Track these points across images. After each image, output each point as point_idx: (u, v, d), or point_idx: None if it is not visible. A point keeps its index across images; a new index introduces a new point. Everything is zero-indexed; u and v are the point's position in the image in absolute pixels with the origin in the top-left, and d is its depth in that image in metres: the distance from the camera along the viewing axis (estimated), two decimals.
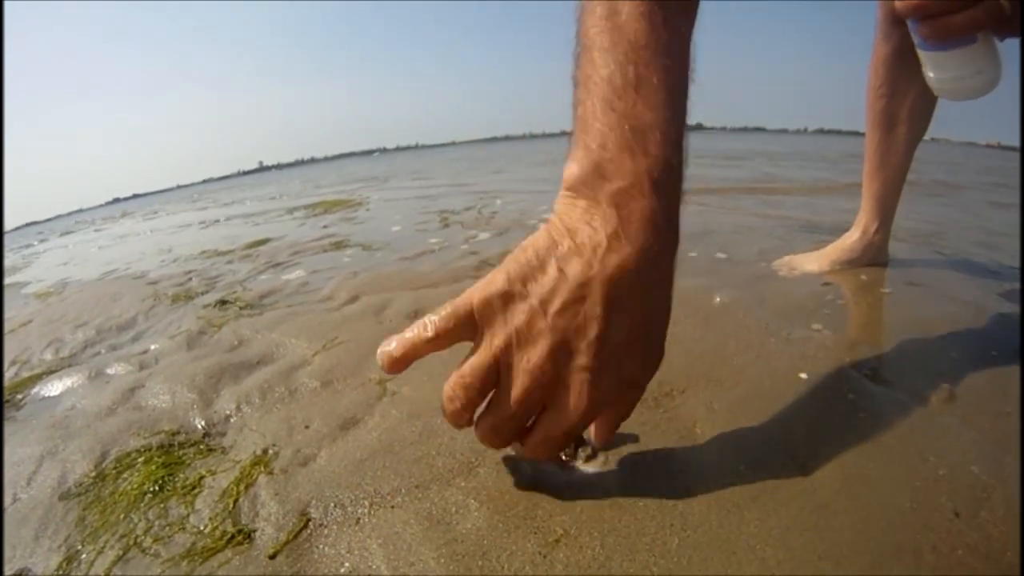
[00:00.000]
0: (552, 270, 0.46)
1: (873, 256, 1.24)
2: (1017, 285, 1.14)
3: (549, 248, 0.47)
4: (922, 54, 0.78)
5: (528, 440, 0.52)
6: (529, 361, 0.47)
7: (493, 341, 0.48)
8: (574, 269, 0.45)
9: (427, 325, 0.50)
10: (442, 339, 0.50)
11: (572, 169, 0.48)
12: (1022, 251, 1.37)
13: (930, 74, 0.78)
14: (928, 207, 2.53)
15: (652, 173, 0.45)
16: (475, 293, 0.49)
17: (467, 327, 0.50)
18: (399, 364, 0.51)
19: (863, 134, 1.19)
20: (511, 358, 0.48)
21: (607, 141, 0.46)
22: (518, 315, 0.47)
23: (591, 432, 0.56)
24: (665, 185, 0.46)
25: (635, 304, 0.46)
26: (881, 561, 0.47)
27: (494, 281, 0.49)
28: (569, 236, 0.46)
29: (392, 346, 0.51)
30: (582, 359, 0.46)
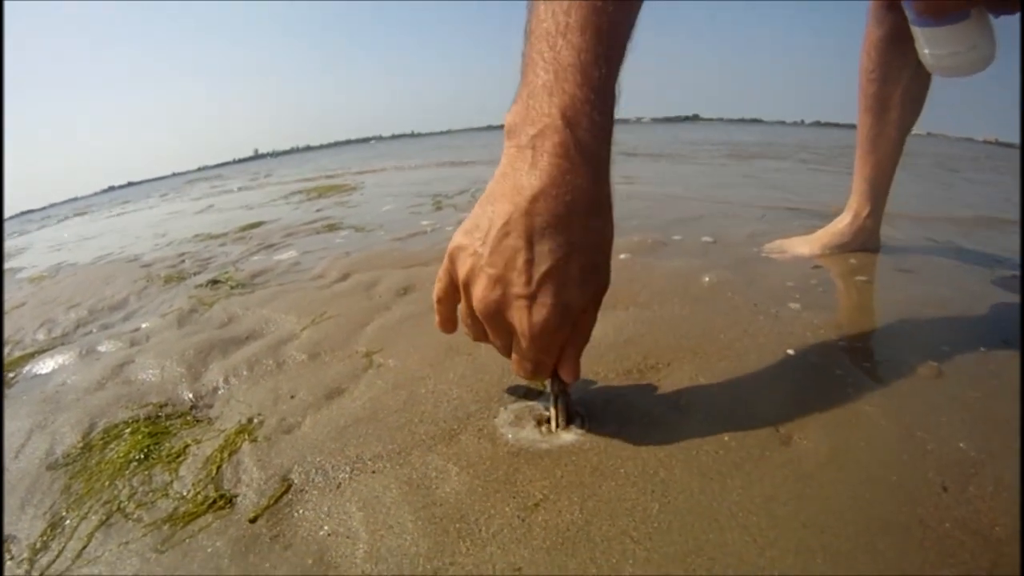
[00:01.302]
0: (486, 216, 0.51)
1: (864, 241, 1.23)
2: (1011, 273, 1.14)
3: (488, 197, 0.52)
4: (916, 30, 0.77)
5: (511, 361, 0.57)
6: (475, 298, 0.53)
7: (462, 291, 0.55)
8: (500, 210, 0.50)
9: (435, 291, 0.59)
10: (444, 300, 0.58)
11: (507, 118, 0.52)
12: (1022, 248, 1.35)
13: (924, 50, 0.78)
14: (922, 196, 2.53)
15: (566, 111, 0.48)
16: (446, 253, 0.56)
17: (454, 284, 0.56)
18: (442, 326, 0.61)
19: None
20: (470, 300, 0.54)
21: (535, 88, 0.49)
22: (464, 264, 0.53)
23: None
24: (579, 121, 0.48)
25: (556, 233, 0.49)
26: (867, 532, 0.47)
27: (452, 239, 0.55)
28: (501, 181, 0.51)
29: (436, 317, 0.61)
30: (517, 287, 0.50)
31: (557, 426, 0.62)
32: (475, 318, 0.55)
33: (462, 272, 0.53)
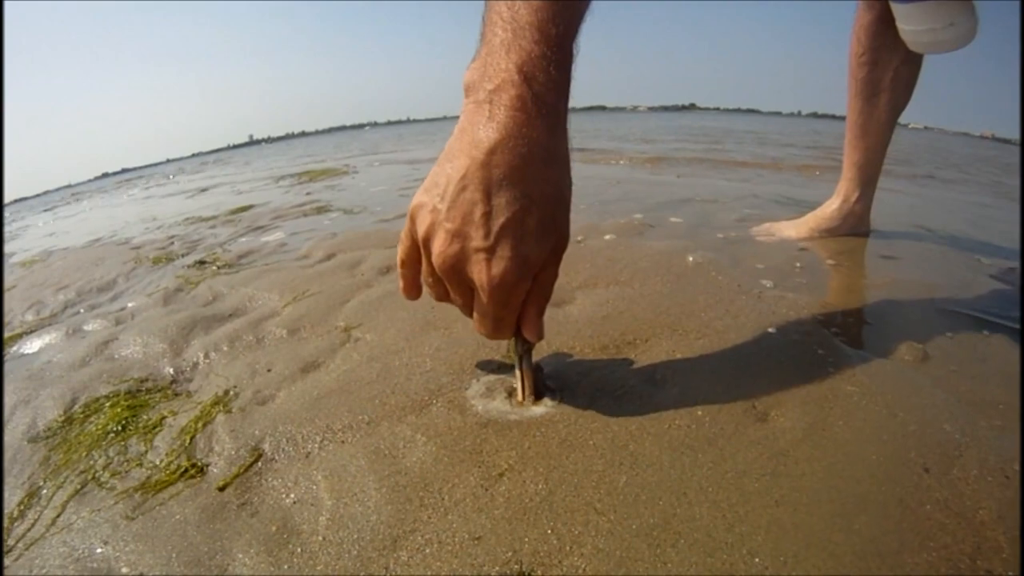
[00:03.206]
0: (444, 173, 0.51)
1: (854, 225, 1.22)
2: (1007, 264, 1.12)
3: (447, 154, 0.52)
4: (895, 7, 0.77)
5: (473, 320, 0.56)
6: (434, 253, 0.52)
7: (422, 249, 0.54)
8: (458, 165, 0.50)
9: (399, 255, 0.58)
10: (408, 263, 0.58)
11: (465, 75, 0.52)
12: (1022, 243, 1.33)
13: (904, 27, 0.77)
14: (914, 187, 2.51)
15: (523, 67, 0.48)
16: (407, 214, 0.55)
17: (416, 246, 0.55)
18: (406, 291, 0.60)
19: None
20: (430, 257, 0.53)
21: (493, 47, 0.49)
22: (424, 221, 0.52)
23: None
24: (536, 75, 0.49)
25: (512, 185, 0.49)
26: (843, 510, 0.46)
27: (413, 199, 0.54)
28: (459, 136, 0.51)
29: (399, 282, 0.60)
30: (475, 241, 0.50)
31: (523, 393, 0.62)
32: (436, 276, 0.54)
33: (421, 230, 0.53)
